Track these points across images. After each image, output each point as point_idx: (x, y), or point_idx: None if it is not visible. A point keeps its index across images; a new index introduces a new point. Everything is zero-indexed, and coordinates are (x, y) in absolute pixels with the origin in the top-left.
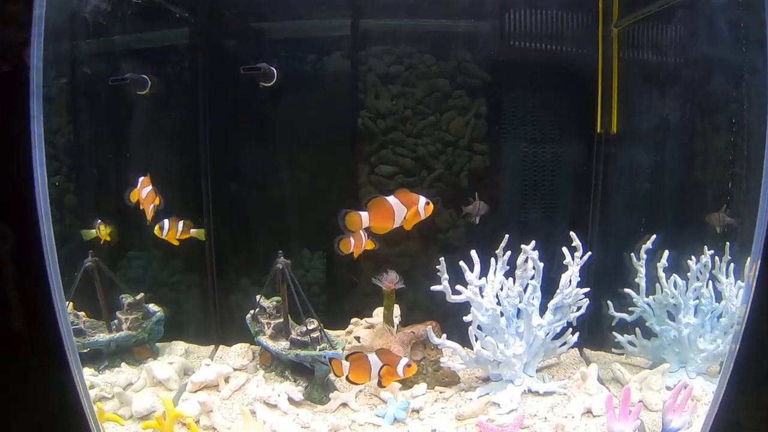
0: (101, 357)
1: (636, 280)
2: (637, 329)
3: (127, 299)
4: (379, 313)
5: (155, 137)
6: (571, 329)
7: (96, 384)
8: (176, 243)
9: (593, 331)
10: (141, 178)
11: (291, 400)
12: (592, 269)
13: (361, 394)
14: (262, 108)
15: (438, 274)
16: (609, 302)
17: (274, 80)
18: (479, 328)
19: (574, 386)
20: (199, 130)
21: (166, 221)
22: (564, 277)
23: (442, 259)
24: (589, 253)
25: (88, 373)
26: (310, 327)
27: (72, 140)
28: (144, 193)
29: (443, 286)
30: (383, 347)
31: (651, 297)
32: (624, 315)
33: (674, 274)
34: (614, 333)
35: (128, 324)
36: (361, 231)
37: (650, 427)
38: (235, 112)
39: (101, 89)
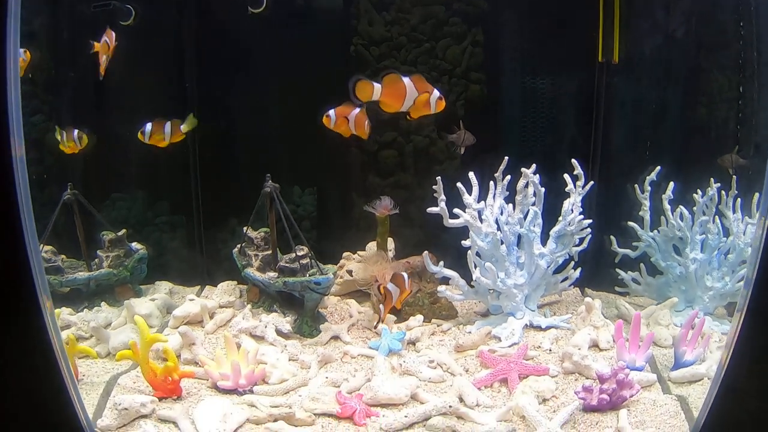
0: (81, 297)
1: (640, 213)
2: (642, 265)
3: (108, 236)
4: (372, 246)
5: (140, 71)
6: (573, 263)
7: (73, 323)
8: (164, 144)
9: (595, 270)
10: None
11: (279, 332)
12: (594, 203)
13: (353, 328)
14: (250, 37)
15: (434, 195)
16: (612, 237)
17: (263, 6)
18: (478, 255)
19: (578, 319)
20: (184, 63)
21: (148, 124)
22: (566, 204)
23: (438, 178)
24: (592, 182)
25: (65, 313)
26: (300, 254)
27: (53, 76)
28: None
29: (440, 208)
30: (379, 273)
31: (656, 231)
32: (627, 251)
33: (680, 206)
34: (617, 270)
35: (109, 262)
36: (361, 112)
37: (661, 362)
38: (222, 43)
39: (83, 21)
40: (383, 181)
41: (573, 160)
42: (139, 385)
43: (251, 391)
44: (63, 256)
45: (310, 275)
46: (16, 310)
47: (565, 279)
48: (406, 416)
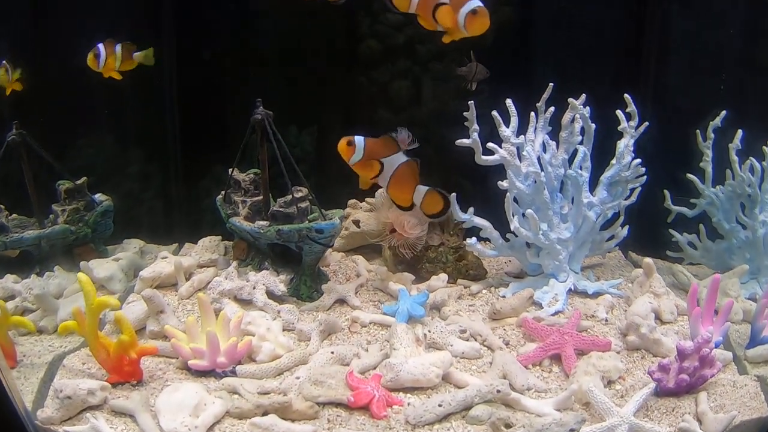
0: (31, 262)
1: (701, 164)
2: (702, 226)
3: (64, 186)
4: (382, 193)
5: None
6: (621, 219)
7: (17, 292)
8: (118, 77)
9: (640, 231)
10: None
11: (271, 295)
12: (643, 149)
13: (363, 288)
14: None
15: (465, 124)
16: (666, 192)
17: None
18: (515, 201)
19: (635, 285)
20: None
21: (100, 45)
22: (620, 144)
23: (471, 103)
24: (646, 123)
25: (10, 281)
26: (297, 195)
27: None
28: None
29: (472, 140)
30: (396, 219)
31: (719, 186)
32: (684, 209)
33: (750, 158)
34: (671, 231)
35: (65, 216)
36: None
37: (732, 337)
38: None
39: None
40: (395, 116)
41: (626, 96)
42: (90, 366)
43: (233, 373)
44: (9, 214)
45: (309, 221)
46: None
47: (611, 237)
48: (440, 405)
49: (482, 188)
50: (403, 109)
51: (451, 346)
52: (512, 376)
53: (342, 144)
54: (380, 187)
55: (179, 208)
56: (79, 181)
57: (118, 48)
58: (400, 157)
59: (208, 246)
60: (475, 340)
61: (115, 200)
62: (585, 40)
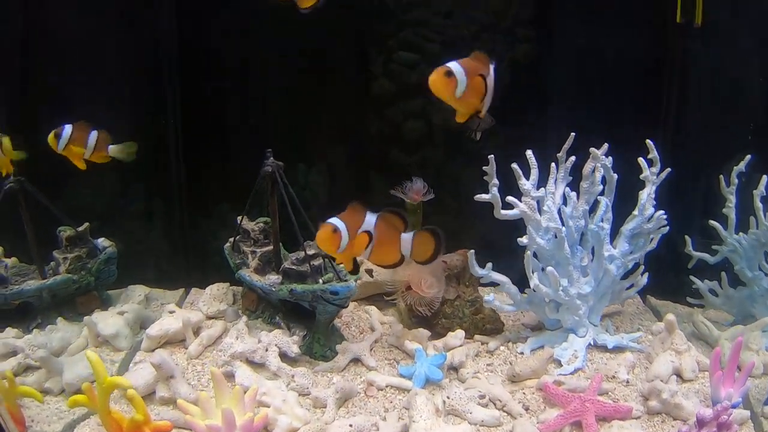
0: (33, 313)
1: (724, 210)
2: (723, 274)
3: (65, 232)
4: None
5: (101, 17)
6: (642, 267)
7: (18, 349)
8: (82, 166)
9: (659, 275)
10: None
11: (284, 357)
12: (663, 195)
13: (377, 345)
14: None
15: (485, 178)
16: (687, 238)
17: None
18: (535, 256)
19: (656, 341)
20: (164, 15)
21: (67, 127)
22: (643, 194)
23: (491, 157)
24: (668, 169)
25: (11, 335)
26: (310, 252)
27: None
28: None
29: (491, 194)
30: (412, 277)
31: (742, 234)
32: (706, 255)
33: None
34: (692, 278)
35: (67, 265)
36: None
37: (753, 395)
38: None
39: None
40: (408, 157)
41: (648, 141)
42: None
43: None
44: (11, 260)
45: (324, 281)
46: None
47: (631, 286)
48: None
49: (497, 232)
50: (416, 151)
51: (470, 413)
52: None
53: (326, 233)
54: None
55: (185, 251)
56: (81, 228)
57: (93, 136)
58: (370, 220)
59: (216, 294)
60: (495, 405)
61: (118, 243)
62: (605, 83)
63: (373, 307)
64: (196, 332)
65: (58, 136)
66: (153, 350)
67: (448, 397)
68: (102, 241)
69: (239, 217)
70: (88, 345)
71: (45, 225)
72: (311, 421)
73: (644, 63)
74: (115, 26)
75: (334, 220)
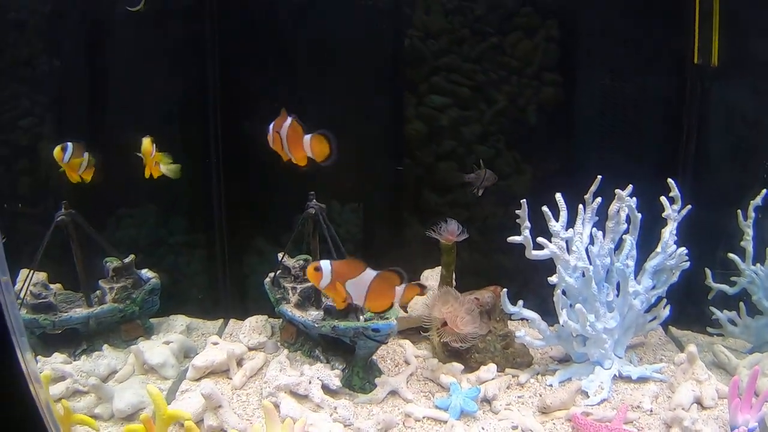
0: (78, 339)
1: (741, 243)
2: (742, 304)
3: (112, 263)
4: (427, 276)
5: (150, 64)
6: (664, 301)
7: (67, 374)
8: (75, 179)
9: (681, 306)
10: None
11: (326, 389)
12: (683, 229)
13: (413, 378)
14: (284, 26)
15: (517, 221)
16: (707, 270)
17: (141, 4)
18: (563, 294)
19: (678, 371)
20: (206, 53)
21: (69, 144)
22: (665, 232)
23: (524, 201)
24: (689, 206)
25: (59, 360)
26: None
27: (47, 72)
28: None
29: (523, 237)
30: (449, 315)
31: (758, 265)
32: (725, 286)
33: None
34: (712, 309)
35: (114, 295)
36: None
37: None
38: (251, 33)
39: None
40: (440, 198)
41: (669, 180)
42: None
43: None
44: (59, 286)
45: (366, 319)
46: None
47: (654, 318)
48: None
49: (525, 270)
50: (449, 191)
51: None
52: None
53: (310, 270)
54: (426, 270)
55: (224, 283)
56: (127, 260)
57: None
58: (370, 274)
59: (255, 326)
60: None
61: (160, 274)
62: (627, 124)
63: (408, 342)
64: (239, 363)
65: (64, 150)
66: (198, 379)
67: (483, 429)
68: (146, 273)
69: (280, 254)
70: (135, 372)
71: (89, 255)
72: None
73: (664, 104)
74: (166, 72)
75: (324, 262)
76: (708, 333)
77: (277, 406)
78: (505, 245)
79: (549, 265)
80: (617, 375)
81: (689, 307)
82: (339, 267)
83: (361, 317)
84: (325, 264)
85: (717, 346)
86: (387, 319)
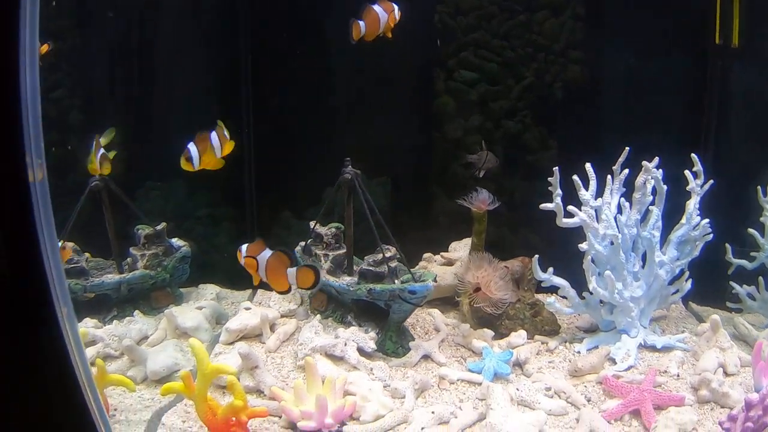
0: (109, 305)
1: (761, 219)
2: (761, 279)
3: (144, 231)
4: (455, 248)
5: (184, 35)
6: (687, 273)
7: (99, 338)
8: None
9: (700, 283)
10: None
11: (361, 351)
12: (704, 205)
13: (443, 344)
14: (315, 4)
15: (549, 189)
16: (727, 245)
17: None
18: (592, 262)
19: (701, 340)
20: (239, 29)
21: (191, 146)
22: (690, 204)
23: (556, 169)
24: (711, 181)
25: (89, 325)
26: (387, 255)
27: (78, 46)
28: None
29: (555, 204)
30: (483, 279)
31: None
32: (744, 262)
33: None
34: (732, 284)
35: (145, 261)
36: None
37: None
38: (282, 10)
39: None
40: (467, 171)
41: (693, 155)
42: (191, 425)
43: None
44: (88, 255)
45: (402, 282)
46: (28, 330)
47: (676, 291)
48: None
49: (551, 242)
50: (478, 174)
51: (539, 403)
52: (600, 431)
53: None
54: (454, 241)
55: None
56: (159, 227)
57: (215, 138)
58: (266, 253)
59: (285, 295)
60: (559, 397)
61: (191, 244)
62: (651, 102)
63: (436, 311)
64: (272, 328)
65: (189, 160)
66: (231, 343)
67: (518, 389)
68: (177, 241)
69: (312, 223)
70: (167, 337)
71: (121, 222)
72: (394, 409)
73: (686, 82)
74: (200, 43)
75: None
76: (727, 308)
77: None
78: (531, 220)
79: (574, 242)
80: (642, 344)
81: (708, 283)
82: (250, 247)
83: (396, 280)
84: (243, 246)
85: (737, 318)
86: (424, 281)
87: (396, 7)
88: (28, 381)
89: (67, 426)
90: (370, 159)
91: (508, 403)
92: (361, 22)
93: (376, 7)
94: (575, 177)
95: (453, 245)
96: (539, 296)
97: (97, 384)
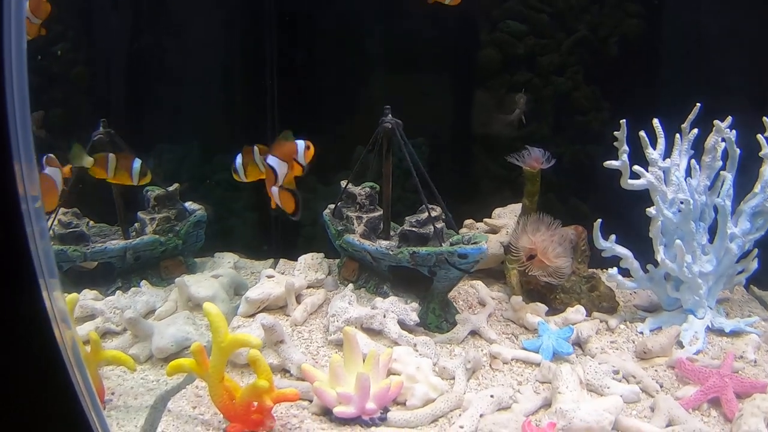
0: (112, 276)
1: None
2: None
3: (154, 192)
4: (499, 214)
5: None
6: (755, 251)
7: (97, 312)
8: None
9: (764, 266)
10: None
11: (402, 325)
12: None
13: (491, 318)
14: None
15: (615, 144)
16: None
17: None
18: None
19: None
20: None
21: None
22: (764, 171)
23: (623, 122)
24: None
25: (89, 297)
26: (434, 215)
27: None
28: None
29: (621, 162)
30: (539, 245)
31: None
32: None
33: None
34: None
35: (154, 226)
36: None
37: None
38: None
39: None
40: (514, 131)
41: (765, 119)
42: (203, 411)
43: (383, 420)
44: (89, 220)
45: (452, 244)
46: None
47: (742, 271)
48: None
49: (601, 210)
50: (522, 123)
51: (608, 388)
52: (680, 421)
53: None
54: (497, 207)
55: (275, 221)
56: (171, 188)
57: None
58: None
59: (310, 264)
60: (628, 381)
61: (207, 208)
62: (715, 60)
63: (480, 282)
64: (298, 299)
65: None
66: (251, 316)
67: (585, 372)
68: (191, 205)
69: (344, 182)
70: (178, 309)
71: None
72: (447, 392)
73: (759, 39)
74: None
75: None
76: None
77: (340, 342)
78: (581, 187)
79: (628, 213)
80: (709, 326)
81: None
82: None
83: (443, 243)
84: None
85: None
86: (476, 242)
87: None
88: (5, 362)
89: (52, 412)
90: (404, 118)
91: (577, 387)
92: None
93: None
94: (642, 133)
95: (497, 211)
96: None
97: (89, 362)
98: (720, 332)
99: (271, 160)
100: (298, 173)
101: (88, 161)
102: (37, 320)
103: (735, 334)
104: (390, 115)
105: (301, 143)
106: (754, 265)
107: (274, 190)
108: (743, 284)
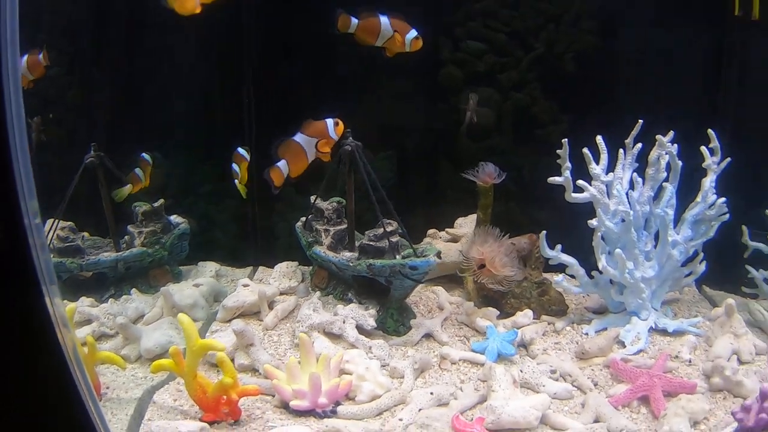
0: (106, 283)
1: None
2: None
3: (141, 207)
4: (461, 223)
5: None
6: (701, 255)
7: (94, 317)
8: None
9: (715, 266)
10: None
11: (360, 330)
12: (721, 184)
13: (447, 322)
14: None
15: (558, 162)
16: (744, 227)
17: None
18: (602, 240)
19: (715, 325)
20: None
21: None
22: (706, 182)
23: (565, 141)
24: (728, 159)
25: (85, 304)
26: (389, 229)
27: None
28: None
29: (564, 177)
30: (487, 255)
31: None
32: (761, 245)
33: None
34: (748, 267)
35: (142, 239)
36: None
37: None
38: None
39: None
40: (475, 144)
41: (709, 131)
42: (182, 403)
43: (333, 413)
44: (86, 234)
45: (403, 257)
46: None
47: (689, 273)
48: None
49: (558, 218)
50: (485, 137)
51: (544, 386)
52: (606, 418)
53: None
54: (460, 217)
55: (253, 231)
56: (156, 204)
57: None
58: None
59: (285, 272)
60: (565, 380)
61: (191, 221)
62: (666, 74)
63: (440, 288)
64: (270, 306)
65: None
66: (228, 321)
67: (521, 371)
68: (175, 218)
69: (312, 197)
70: (163, 315)
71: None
72: (392, 389)
73: (704, 55)
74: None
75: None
76: (742, 294)
77: (310, 345)
78: (539, 196)
79: (583, 220)
80: (653, 327)
81: (723, 266)
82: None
83: (397, 256)
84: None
85: (753, 304)
86: (425, 256)
87: (414, 33)
88: (13, 360)
89: (56, 404)
90: (374, 132)
91: (510, 385)
92: (354, 20)
93: (383, 19)
94: (585, 150)
95: (459, 221)
96: (547, 275)
97: (87, 362)
98: (664, 332)
99: (299, 137)
100: (328, 149)
101: (128, 189)
102: (43, 325)
103: (678, 334)
104: (350, 138)
105: (330, 120)
106: (701, 268)
107: (282, 164)
108: (693, 285)
